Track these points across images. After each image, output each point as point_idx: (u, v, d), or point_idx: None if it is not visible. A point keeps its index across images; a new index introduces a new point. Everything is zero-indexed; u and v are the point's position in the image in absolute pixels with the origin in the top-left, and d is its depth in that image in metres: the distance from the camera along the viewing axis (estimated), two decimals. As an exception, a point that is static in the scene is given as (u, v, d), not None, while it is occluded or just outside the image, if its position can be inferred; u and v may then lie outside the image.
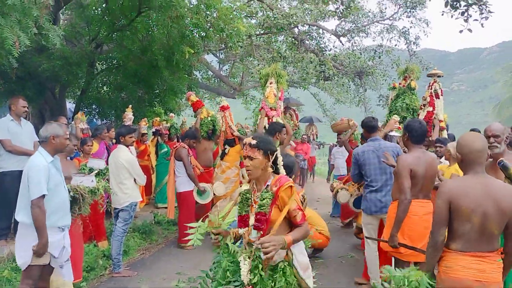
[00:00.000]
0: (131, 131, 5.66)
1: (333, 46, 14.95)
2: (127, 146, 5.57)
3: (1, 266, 4.81)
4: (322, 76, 13.37)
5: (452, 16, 6.88)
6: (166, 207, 7.67)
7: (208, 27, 9.15)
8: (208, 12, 9.02)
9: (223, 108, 7.82)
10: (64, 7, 8.95)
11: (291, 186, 2.66)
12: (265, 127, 6.37)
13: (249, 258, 2.65)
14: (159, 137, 9.53)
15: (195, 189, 6.61)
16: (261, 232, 2.68)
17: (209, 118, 7.73)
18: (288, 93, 16.95)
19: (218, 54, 16.47)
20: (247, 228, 2.78)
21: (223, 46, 13.41)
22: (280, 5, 13.56)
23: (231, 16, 9.21)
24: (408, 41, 14.39)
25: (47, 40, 5.21)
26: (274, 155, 2.75)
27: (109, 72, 10.35)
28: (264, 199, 2.69)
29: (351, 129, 7.81)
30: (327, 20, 14.11)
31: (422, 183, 3.98)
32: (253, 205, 2.78)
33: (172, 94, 10.24)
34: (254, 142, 2.71)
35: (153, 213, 8.19)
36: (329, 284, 5.35)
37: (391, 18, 14.86)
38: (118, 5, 8.79)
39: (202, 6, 8.86)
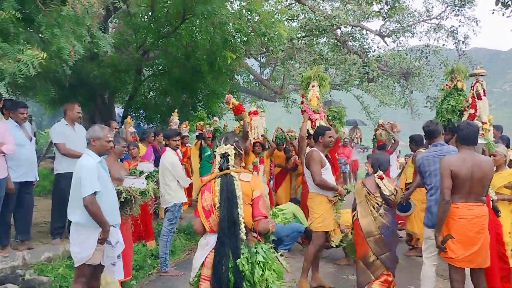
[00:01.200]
0: (175, 134, 5.81)
1: (377, 47, 14.55)
2: (174, 149, 5.73)
3: (56, 263, 5.06)
4: (366, 77, 13.15)
5: (503, 15, 6.64)
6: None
7: (249, 31, 9.27)
8: (249, 17, 9.14)
9: (249, 113, 7.75)
10: (113, 16, 9.33)
11: None
12: (308, 130, 6.36)
13: None
14: (202, 140, 9.70)
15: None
16: None
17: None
18: (330, 96, 16.84)
19: (259, 58, 16.58)
20: None
21: (264, 50, 13.50)
22: (322, 6, 13.50)
23: (273, 20, 9.29)
24: (456, 41, 13.90)
25: (98, 48, 5.44)
26: None
27: (155, 78, 10.68)
28: None
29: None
30: (371, 21, 13.88)
31: (470, 185, 3.82)
32: None
33: (214, 98, 10.43)
34: None
35: (197, 215, 8.33)
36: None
37: (438, 17, 14.42)
38: (163, 13, 9.10)
39: (244, 11, 8.99)
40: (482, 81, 5.77)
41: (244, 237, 2.87)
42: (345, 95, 17.37)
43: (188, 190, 9.12)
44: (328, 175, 5.08)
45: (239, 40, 9.62)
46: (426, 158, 4.46)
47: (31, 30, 4.93)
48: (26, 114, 5.37)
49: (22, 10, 4.62)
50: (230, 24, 8.84)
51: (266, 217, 2.91)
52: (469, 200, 3.86)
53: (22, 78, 4.23)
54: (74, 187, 3.71)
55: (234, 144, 3.07)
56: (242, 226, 2.86)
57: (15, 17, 4.41)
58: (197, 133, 9.90)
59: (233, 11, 9.17)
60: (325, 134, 5.13)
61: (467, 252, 3.78)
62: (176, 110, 8.68)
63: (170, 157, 5.65)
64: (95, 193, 3.58)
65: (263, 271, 2.81)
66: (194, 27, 9.60)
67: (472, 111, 5.73)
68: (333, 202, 5.09)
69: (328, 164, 5.12)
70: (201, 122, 9.97)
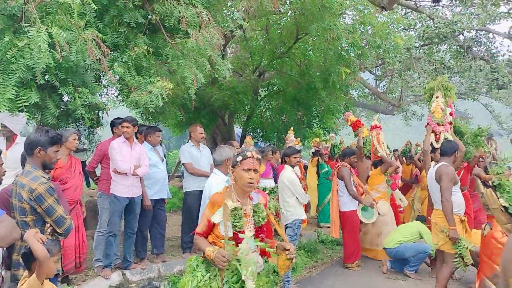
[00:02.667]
0: (295, 152, 5.89)
1: (507, 51, 13.23)
2: (292, 166, 5.80)
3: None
4: (495, 84, 12.01)
5: None
6: (328, 227, 7.72)
7: (363, 45, 9.10)
8: (363, 30, 8.98)
9: (372, 128, 7.63)
10: (230, 42, 9.88)
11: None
12: (431, 143, 5.99)
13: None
14: (319, 157, 9.69)
15: (359, 208, 6.51)
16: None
17: (369, 137, 7.61)
18: (454, 106, 15.64)
19: (374, 71, 16.16)
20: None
21: (380, 62, 13.14)
22: (442, 13, 12.72)
23: (388, 31, 9.01)
24: None
25: (218, 73, 5.80)
26: None
27: (271, 97, 11.00)
28: (262, 211, 2.95)
29: None
30: (498, 23, 12.69)
31: None
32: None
33: (330, 114, 10.38)
34: (259, 155, 2.92)
35: (317, 231, 8.29)
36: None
37: None
38: (277, 34, 9.39)
39: (357, 24, 8.87)
40: None
41: None
42: (471, 104, 16.03)
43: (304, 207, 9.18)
44: (458, 194, 4.72)
45: (352, 54, 9.49)
46: None
47: (160, 62, 5.44)
48: (160, 137, 5.91)
49: (152, 44, 5.14)
50: (343, 39, 8.77)
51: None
52: None
53: (153, 107, 4.69)
54: (203, 204, 3.96)
55: None
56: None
57: (147, 52, 4.94)
58: (313, 150, 9.92)
59: (346, 26, 9.09)
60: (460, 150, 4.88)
61: None
62: (292, 128, 8.82)
63: (288, 173, 5.73)
64: None
65: None
66: (307, 45, 9.73)
67: None
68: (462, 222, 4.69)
69: (459, 183, 4.78)
70: (317, 139, 9.97)
